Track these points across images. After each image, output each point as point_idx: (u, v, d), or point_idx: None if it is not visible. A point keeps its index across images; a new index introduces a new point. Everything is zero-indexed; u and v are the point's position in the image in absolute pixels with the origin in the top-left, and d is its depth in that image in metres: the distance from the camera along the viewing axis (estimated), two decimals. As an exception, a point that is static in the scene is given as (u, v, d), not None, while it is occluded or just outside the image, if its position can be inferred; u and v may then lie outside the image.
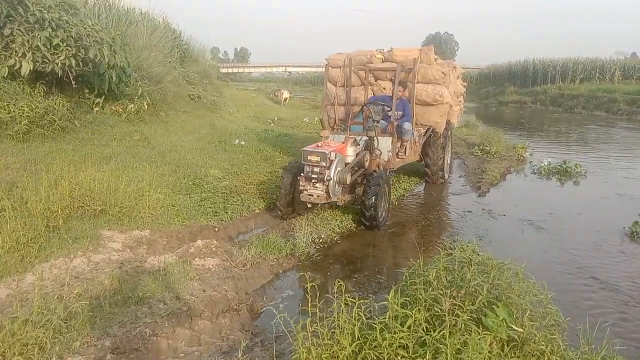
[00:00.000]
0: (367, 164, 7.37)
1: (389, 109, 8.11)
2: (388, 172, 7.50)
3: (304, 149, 6.47)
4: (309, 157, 6.32)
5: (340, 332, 2.76)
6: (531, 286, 3.48)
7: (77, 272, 4.38)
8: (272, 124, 16.31)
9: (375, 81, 9.18)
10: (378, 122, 7.88)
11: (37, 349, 3.09)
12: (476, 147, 13.02)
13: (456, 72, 10.19)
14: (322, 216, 6.88)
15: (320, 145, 6.60)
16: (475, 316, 3.08)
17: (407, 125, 8.19)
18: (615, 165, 12.47)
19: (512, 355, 2.98)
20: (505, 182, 10.29)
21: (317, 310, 2.82)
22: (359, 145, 7.37)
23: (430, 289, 3.26)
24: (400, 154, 8.38)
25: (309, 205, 6.65)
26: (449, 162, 10.45)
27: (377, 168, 7.53)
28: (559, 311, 3.35)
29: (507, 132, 17.81)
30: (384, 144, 7.86)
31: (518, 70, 43.15)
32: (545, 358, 2.84)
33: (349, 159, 6.94)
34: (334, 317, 2.83)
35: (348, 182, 6.54)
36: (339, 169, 6.43)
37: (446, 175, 10.06)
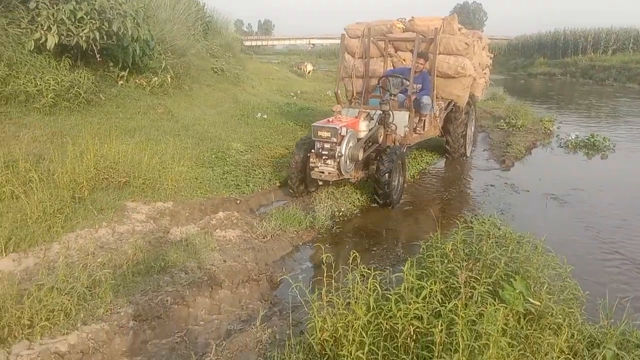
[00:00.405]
0: (380, 139, 7.05)
1: (407, 82, 7.68)
2: (403, 147, 7.26)
3: (314, 124, 6.23)
4: (320, 133, 6.08)
5: (356, 302, 2.79)
6: (550, 260, 3.45)
7: (102, 242, 4.50)
8: (294, 97, 16.26)
9: (395, 52, 8.82)
10: (395, 95, 7.57)
11: (62, 315, 3.21)
12: (502, 120, 12.78)
13: (482, 43, 9.78)
14: (343, 190, 6.89)
15: (331, 120, 6.35)
16: (492, 289, 3.09)
17: (425, 99, 7.84)
18: (646, 139, 12.12)
19: (529, 328, 2.99)
20: (531, 156, 10.11)
21: (333, 281, 2.85)
22: (372, 119, 7.07)
23: (447, 261, 3.26)
24: (418, 129, 8.03)
25: (320, 183, 6.43)
26: (472, 137, 10.02)
27: (392, 144, 7.25)
28: (578, 285, 3.32)
29: (534, 105, 17.43)
30: (401, 118, 7.48)
31: (548, 41, 41.86)
32: (563, 331, 2.82)
33: (362, 134, 6.65)
34: (349, 288, 2.86)
35: (360, 159, 6.28)
36: (350, 144, 6.19)
37: (468, 151, 9.64)
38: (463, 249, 3.48)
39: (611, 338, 3.09)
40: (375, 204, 6.57)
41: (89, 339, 3.12)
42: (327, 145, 6.07)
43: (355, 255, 2.94)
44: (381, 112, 7.13)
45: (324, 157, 6.09)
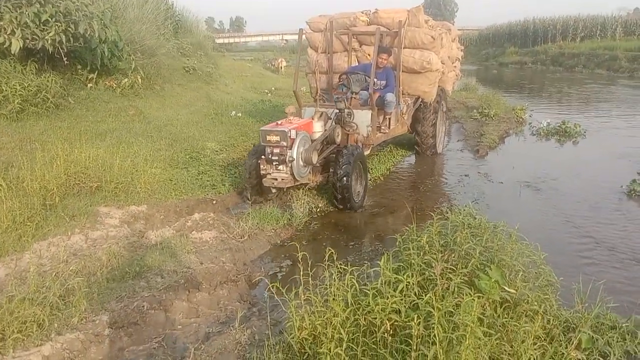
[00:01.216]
0: (338, 139, 6.58)
1: (373, 79, 7.27)
2: (367, 148, 7.01)
3: (262, 128, 5.86)
4: (268, 137, 5.70)
5: (333, 299, 2.79)
6: (524, 247, 3.50)
7: (75, 249, 4.42)
8: (269, 94, 16.17)
9: (360, 47, 8.45)
10: (357, 93, 7.25)
11: (35, 327, 3.14)
12: (475, 111, 12.91)
13: (451, 35, 9.56)
14: (319, 186, 6.87)
15: (280, 123, 5.99)
16: (468, 279, 3.11)
17: (389, 97, 7.45)
18: (615, 124, 12.39)
19: (505, 316, 3.02)
20: (504, 145, 10.24)
21: (310, 279, 2.84)
22: (330, 119, 6.73)
23: (423, 253, 3.28)
24: (383, 127, 7.64)
25: (274, 191, 6.14)
26: (443, 132, 9.67)
27: (355, 144, 6.83)
28: (552, 271, 3.37)
29: (506, 94, 17.66)
30: (362, 117, 7.07)
31: (518, 30, 42.51)
32: (539, 318, 2.86)
33: (317, 135, 6.29)
34: (326, 285, 2.86)
35: (314, 162, 5.91)
36: (302, 147, 5.83)
37: (440, 148, 9.29)
38: (438, 241, 3.50)
39: (586, 322, 3.15)
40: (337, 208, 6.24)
41: (64, 349, 3.06)
42: (276, 150, 5.70)
43: (332, 252, 2.93)
44: (337, 111, 6.73)
45: (274, 163, 5.74)
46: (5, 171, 5.43)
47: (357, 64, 8.17)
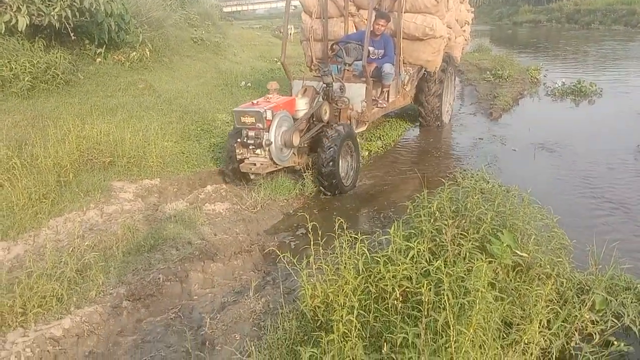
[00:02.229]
0: (326, 116, 5.97)
1: (370, 49, 6.65)
2: (351, 125, 6.24)
3: (236, 109, 5.31)
4: (243, 119, 5.18)
5: (344, 267, 2.81)
6: (537, 211, 3.47)
7: (91, 224, 4.48)
8: (278, 63, 16.00)
9: (358, 11, 7.70)
10: (350, 65, 6.62)
11: (54, 301, 3.22)
12: (488, 72, 12.66)
13: None
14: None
15: (256, 102, 5.40)
16: (479, 244, 3.11)
17: (387, 67, 6.77)
18: (632, 82, 12.07)
19: (518, 280, 3.02)
20: (518, 107, 10.08)
21: (320, 248, 2.86)
22: (318, 94, 6.14)
23: (433, 220, 3.27)
24: (380, 101, 7.05)
25: (252, 177, 5.60)
26: (451, 103, 9.10)
27: (347, 121, 6.35)
28: (565, 234, 3.35)
29: (521, 54, 17.29)
30: (356, 91, 6.43)
31: (532, -14, 41.23)
32: (552, 280, 2.86)
33: (300, 113, 5.74)
34: (337, 254, 2.87)
35: (296, 144, 5.37)
36: (283, 128, 5.33)
37: (446, 119, 8.70)
38: (450, 207, 3.48)
39: (600, 283, 3.14)
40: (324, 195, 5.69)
41: (83, 322, 3.14)
42: (251, 133, 5.21)
43: (341, 221, 2.94)
44: (324, 85, 6.11)
45: (251, 147, 5.25)
46: (19, 149, 5.49)
47: (354, 31, 7.59)
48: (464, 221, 3.37)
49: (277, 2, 66.63)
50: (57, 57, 8.14)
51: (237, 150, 5.33)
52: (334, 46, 6.93)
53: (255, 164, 5.31)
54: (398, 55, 7.17)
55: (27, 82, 7.39)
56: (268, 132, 5.18)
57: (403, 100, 7.73)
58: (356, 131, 6.44)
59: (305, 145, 5.80)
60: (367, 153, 7.20)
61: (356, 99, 6.45)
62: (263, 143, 5.16)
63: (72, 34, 8.49)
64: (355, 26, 7.70)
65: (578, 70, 14.07)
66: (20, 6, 7.58)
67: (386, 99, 7.15)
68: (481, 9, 43.94)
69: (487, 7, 43.90)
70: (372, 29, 6.59)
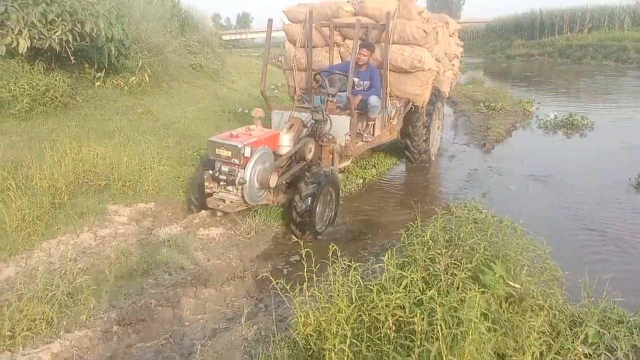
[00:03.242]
0: (310, 155, 5.62)
1: (356, 80, 6.37)
2: (333, 170, 5.64)
3: (211, 139, 4.88)
4: (218, 151, 4.77)
5: (337, 295, 2.81)
6: (529, 242, 3.49)
7: (84, 247, 4.47)
8: (275, 90, 16.16)
9: (343, 41, 7.40)
10: (334, 96, 6.31)
11: (44, 324, 3.19)
12: (481, 104, 12.84)
13: (449, 29, 8.61)
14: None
15: (236, 134, 4.94)
16: (472, 274, 3.12)
17: (373, 100, 6.41)
18: (623, 116, 12.26)
19: (511, 311, 3.02)
20: (511, 138, 10.19)
21: (314, 275, 2.86)
22: (306, 127, 5.87)
23: (427, 249, 3.28)
24: (365, 135, 6.66)
25: (219, 214, 5.18)
26: (439, 138, 8.85)
27: (330, 155, 6.01)
28: (557, 266, 3.37)
29: (514, 87, 17.56)
30: (340, 124, 6.08)
31: (525, 22, 42.07)
32: (544, 312, 2.87)
33: (283, 150, 5.36)
34: (330, 281, 2.87)
35: (272, 185, 4.94)
36: (259, 167, 4.87)
37: (433, 155, 8.40)
38: (443, 236, 3.51)
39: (593, 316, 3.15)
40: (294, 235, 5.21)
41: (73, 347, 3.11)
42: (225, 168, 4.81)
43: (335, 249, 2.95)
44: (313, 122, 5.80)
45: (222, 182, 4.85)
46: (15, 170, 5.49)
47: (340, 61, 7.31)
48: (457, 251, 3.38)
49: (275, 32, 67.70)
50: (56, 80, 8.19)
51: (206, 183, 4.92)
52: (317, 76, 6.59)
53: (224, 201, 4.90)
54: (384, 87, 6.86)
55: (26, 104, 7.41)
56: (244, 169, 4.74)
57: (389, 135, 7.38)
58: (339, 166, 6.25)
59: (283, 182, 5.39)
60: (361, 181, 7.24)
61: (340, 132, 6.11)
62: (236, 181, 4.72)
63: (72, 58, 8.56)
64: (340, 56, 7.46)
65: (570, 104, 14.28)
66: (22, 29, 7.65)
67: (371, 132, 6.80)
68: (475, 42, 44.77)
69: (481, 40, 44.75)
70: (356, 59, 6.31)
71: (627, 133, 10.22)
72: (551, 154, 8.91)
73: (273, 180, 4.92)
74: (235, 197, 4.86)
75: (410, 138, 7.74)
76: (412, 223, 3.90)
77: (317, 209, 5.15)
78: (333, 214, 5.59)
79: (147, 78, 10.45)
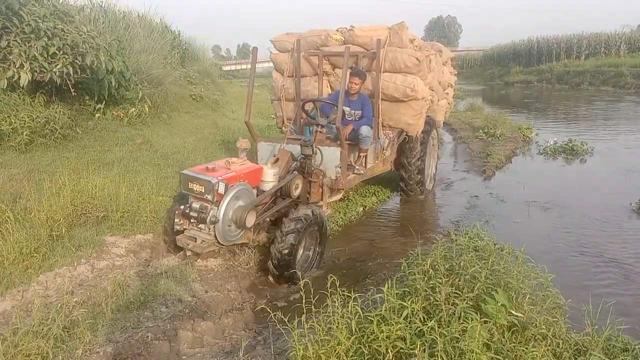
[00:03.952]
0: (296, 192, 5.22)
1: (347, 109, 6.28)
2: (319, 211, 5.12)
3: (184, 172, 4.53)
4: (190, 185, 4.41)
5: (337, 327, 2.76)
6: (531, 269, 3.46)
7: (81, 279, 4.41)
8: (275, 120, 16.32)
9: (333, 70, 7.16)
10: (324, 126, 6.01)
11: (39, 359, 3.13)
12: (481, 131, 12.91)
13: (442, 57, 8.36)
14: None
15: (212, 167, 4.57)
16: (474, 303, 3.07)
17: (365, 130, 6.16)
18: (622, 141, 12.32)
19: (513, 340, 2.97)
20: (511, 165, 10.22)
21: (312, 307, 2.81)
22: (295, 160, 5.53)
23: (427, 278, 3.24)
24: (357, 167, 6.32)
25: (188, 254, 4.76)
26: (433, 170, 8.56)
27: (320, 189, 5.69)
28: (560, 293, 3.32)
29: (513, 113, 17.68)
30: (330, 156, 5.75)
31: (522, 49, 42.74)
32: (543, 341, 2.81)
33: (267, 186, 4.95)
34: (329, 313, 2.83)
35: (249, 225, 4.51)
36: (235, 204, 4.46)
37: (429, 185, 8.16)
38: (444, 265, 3.47)
39: (597, 344, 3.09)
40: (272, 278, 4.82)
41: (68, 383, 3.04)
42: (196, 205, 4.41)
43: (334, 279, 2.91)
44: (302, 157, 5.39)
45: (192, 220, 4.48)
46: (13, 203, 5.47)
47: (329, 91, 7.10)
48: (458, 279, 3.34)
49: (265, 62, 68.41)
50: (56, 112, 8.25)
51: (176, 220, 4.53)
52: (305, 106, 6.35)
53: (195, 239, 4.49)
54: (377, 117, 6.61)
55: (26, 136, 7.45)
56: (217, 207, 4.33)
57: (382, 166, 7.07)
58: (330, 200, 5.95)
59: (267, 220, 5.01)
60: (361, 209, 7.22)
61: (330, 164, 5.77)
62: (208, 219, 4.31)
63: (72, 90, 8.64)
64: (330, 86, 7.17)
65: (569, 129, 14.37)
66: (24, 63, 7.76)
67: (364, 164, 6.47)
68: (473, 69, 45.35)
69: (479, 67, 45.33)
70: (346, 88, 6.13)
71: (627, 158, 10.25)
72: (552, 180, 8.92)
73: (250, 220, 4.48)
74: (207, 236, 4.45)
75: (404, 169, 7.52)
76: (412, 252, 3.87)
77: (299, 253, 4.83)
78: (318, 256, 5.19)
79: (147, 109, 10.53)
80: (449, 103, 8.97)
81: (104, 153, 8.09)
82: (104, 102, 9.59)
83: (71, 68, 8.20)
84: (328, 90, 7.10)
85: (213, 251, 5.22)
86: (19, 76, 7.78)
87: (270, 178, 5.00)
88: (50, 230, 5.07)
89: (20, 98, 8.05)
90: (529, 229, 6.32)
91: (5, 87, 7.79)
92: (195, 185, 4.37)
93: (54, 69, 8.04)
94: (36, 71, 7.95)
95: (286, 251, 4.54)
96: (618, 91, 26.34)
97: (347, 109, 6.27)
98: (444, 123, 13.78)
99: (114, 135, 9.06)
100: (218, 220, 4.30)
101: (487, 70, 44.43)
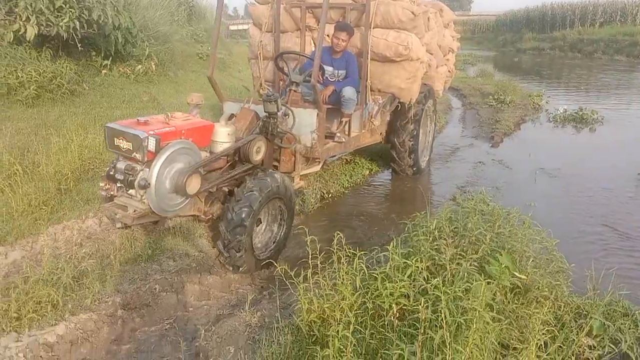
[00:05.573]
0: (258, 156, 4.27)
1: (329, 69, 5.56)
2: (285, 177, 4.35)
3: (109, 124, 3.61)
4: (117, 142, 3.51)
5: (342, 282, 2.80)
6: (536, 234, 3.47)
7: (89, 232, 4.47)
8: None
9: (317, 25, 6.21)
10: (298, 84, 5.17)
11: (50, 307, 3.21)
12: (490, 97, 12.75)
13: (444, 18, 7.43)
14: (332, 172, 6.86)
15: (144, 120, 3.58)
16: (478, 265, 3.10)
17: (349, 92, 5.35)
18: (633, 111, 12.16)
19: (515, 302, 3.01)
20: (520, 132, 10.13)
21: (318, 263, 2.85)
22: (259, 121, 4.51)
23: (432, 239, 3.26)
24: (338, 134, 5.50)
25: (118, 225, 3.61)
26: (429, 144, 7.65)
27: (293, 157, 4.90)
28: (564, 258, 3.34)
29: (523, 81, 17.42)
30: (305, 120, 4.90)
31: (536, 15, 41.70)
32: (549, 304, 2.85)
33: (220, 147, 4.06)
34: (335, 269, 2.86)
35: (192, 192, 3.66)
36: (173, 166, 3.57)
37: (423, 163, 7.28)
38: (449, 227, 3.48)
39: (598, 308, 3.12)
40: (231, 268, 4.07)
41: (77, 329, 3.13)
42: (120, 165, 3.58)
43: (340, 236, 2.93)
44: (265, 115, 4.40)
45: (118, 184, 3.62)
46: (21, 156, 5.50)
47: (312, 47, 6.19)
48: (463, 241, 3.36)
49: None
50: (63, 67, 8.20)
51: (101, 184, 3.71)
52: (277, 60, 5.52)
53: (126, 208, 3.57)
54: (364, 79, 5.75)
55: (33, 90, 7.43)
56: (149, 168, 3.46)
57: (370, 137, 6.20)
58: (305, 172, 5.22)
59: (224, 189, 4.22)
60: (367, 171, 7.22)
61: (304, 129, 4.94)
62: (136, 183, 3.43)
63: (79, 45, 8.57)
64: (313, 42, 6.26)
65: (580, 98, 14.17)
66: (30, 16, 7.66)
67: (346, 132, 5.67)
68: (485, 35, 44.48)
69: (491, 33, 44.43)
70: (331, 44, 5.61)
71: (637, 128, 10.14)
72: (560, 148, 8.85)
73: (192, 186, 3.64)
74: (140, 204, 3.54)
75: (394, 150, 6.76)
76: (418, 213, 3.88)
77: (259, 232, 4.22)
78: (281, 238, 4.45)
79: (153, 66, 10.45)
80: (449, 71, 8.01)
81: (111, 110, 8.07)
82: (110, 59, 9.52)
83: (77, 22, 8.12)
84: (311, 48, 6.16)
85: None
86: (25, 30, 7.70)
87: (223, 138, 4.09)
88: (59, 183, 5.11)
89: (26, 52, 8.00)
90: (535, 196, 6.30)
91: (11, 40, 7.73)
92: (121, 141, 3.48)
93: (61, 23, 7.95)
94: (42, 25, 7.87)
95: (238, 228, 3.78)
96: (632, 61, 25.80)
97: (329, 68, 5.60)
98: (451, 89, 13.73)
99: (120, 92, 9.03)
100: (148, 184, 3.43)
101: (499, 36, 43.50)
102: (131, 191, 3.55)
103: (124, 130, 3.48)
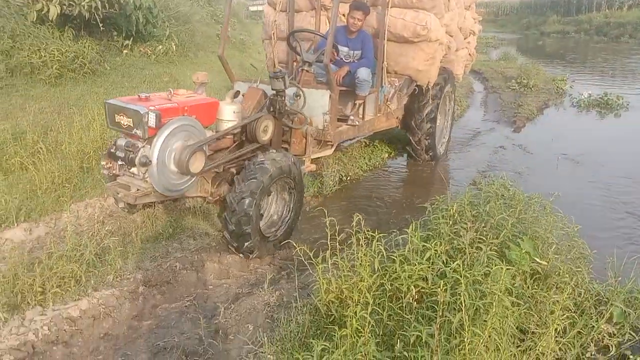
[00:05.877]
0: (265, 136, 4.15)
1: (344, 49, 5.44)
2: (292, 158, 4.16)
3: (109, 100, 3.55)
4: (117, 118, 3.45)
5: (360, 264, 2.80)
6: (558, 220, 3.43)
7: (111, 210, 4.54)
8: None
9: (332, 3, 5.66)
10: (310, 64, 5.04)
11: (73, 282, 3.29)
12: (513, 81, 12.55)
13: (465, 0, 7.10)
14: (350, 155, 6.84)
15: (146, 96, 3.51)
16: (498, 249, 3.08)
17: (363, 73, 5.17)
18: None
19: (535, 287, 2.99)
20: (543, 116, 9.97)
21: (337, 244, 2.85)
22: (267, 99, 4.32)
23: (452, 223, 3.25)
24: (352, 117, 5.34)
25: (121, 205, 3.77)
26: (447, 131, 7.40)
27: (304, 139, 4.76)
28: (586, 244, 3.30)
29: (547, 64, 17.08)
30: (317, 101, 4.75)
31: (562, -3, 40.71)
32: (569, 290, 2.82)
33: (225, 126, 3.94)
34: (353, 250, 2.87)
35: (195, 170, 3.56)
36: (175, 143, 3.49)
37: (441, 150, 7.08)
38: (470, 211, 3.46)
39: (618, 295, 3.08)
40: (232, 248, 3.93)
41: (100, 305, 3.19)
42: (121, 142, 3.49)
43: (359, 218, 2.93)
44: (273, 93, 4.25)
45: (119, 162, 3.52)
46: (44, 135, 5.59)
47: (327, 27, 5.78)
48: (483, 226, 3.34)
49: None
50: (85, 47, 8.28)
51: (102, 162, 3.64)
52: (290, 39, 5.31)
53: (129, 187, 3.53)
54: (380, 61, 5.57)
55: (55, 70, 7.52)
56: (150, 145, 3.39)
57: (386, 121, 6.00)
58: (317, 155, 5.07)
59: (231, 170, 4.09)
60: (386, 155, 7.19)
61: (316, 111, 4.79)
62: (137, 160, 3.34)
63: (100, 25, 8.63)
64: (328, 21, 5.97)
65: (605, 83, 13.85)
66: (53, -5, 7.74)
67: (361, 115, 5.50)
68: (509, 17, 43.56)
69: (514, 15, 43.50)
70: (346, 23, 5.45)
71: (664, 114, 9.90)
72: (584, 133, 8.71)
73: (196, 165, 3.54)
74: (143, 183, 3.48)
75: (411, 133, 6.57)
76: (437, 197, 3.86)
77: (263, 211, 4.04)
78: (290, 219, 4.30)
79: (173, 47, 10.49)
80: (470, 54, 7.73)
81: (132, 89, 8.13)
82: (131, 39, 9.58)
83: (99, 2, 8.17)
84: (327, 28, 5.80)
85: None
86: (48, 9, 7.78)
87: (229, 116, 3.96)
88: (81, 162, 5.20)
89: (49, 31, 8.08)
90: (558, 182, 6.22)
91: (34, 20, 7.81)
92: (122, 117, 3.40)
93: (83, 3, 8.01)
94: (65, 4, 7.94)
95: (241, 211, 3.62)
96: (661, 45, 25.16)
97: (344, 49, 5.46)
98: (473, 72, 13.51)
99: (141, 72, 9.09)
100: (149, 161, 3.36)
101: (523, 19, 42.57)
102: (133, 169, 3.48)
103: (124, 106, 3.40)
